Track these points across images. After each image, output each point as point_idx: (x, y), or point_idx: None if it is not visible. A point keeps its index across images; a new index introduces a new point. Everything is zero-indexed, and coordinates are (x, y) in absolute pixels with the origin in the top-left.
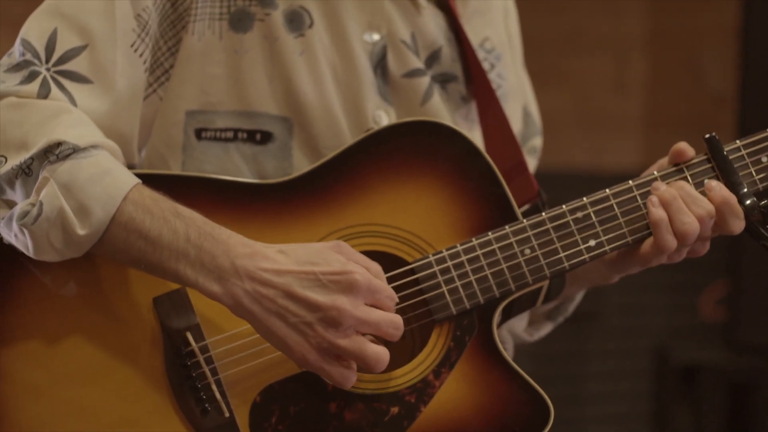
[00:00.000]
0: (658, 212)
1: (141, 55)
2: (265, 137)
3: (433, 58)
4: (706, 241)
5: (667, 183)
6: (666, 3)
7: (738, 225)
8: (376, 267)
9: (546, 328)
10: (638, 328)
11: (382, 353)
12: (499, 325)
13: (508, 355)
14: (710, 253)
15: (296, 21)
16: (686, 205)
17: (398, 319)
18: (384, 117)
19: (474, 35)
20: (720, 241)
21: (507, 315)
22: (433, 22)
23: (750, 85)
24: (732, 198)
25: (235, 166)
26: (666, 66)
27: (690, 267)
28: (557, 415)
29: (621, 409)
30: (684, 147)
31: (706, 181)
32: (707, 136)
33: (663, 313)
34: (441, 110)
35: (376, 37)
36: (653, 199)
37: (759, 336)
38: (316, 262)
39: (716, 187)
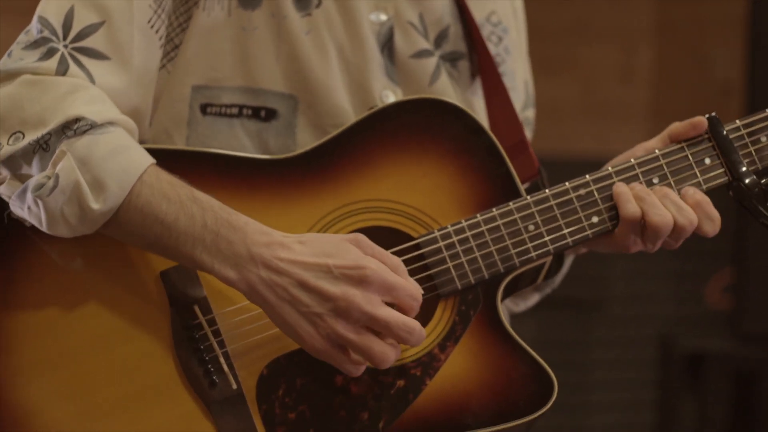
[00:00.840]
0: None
1: (157, 32)
2: (270, 114)
3: (441, 37)
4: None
5: (675, 160)
6: None
7: (712, 228)
8: (393, 261)
9: (533, 299)
10: (644, 317)
11: (388, 353)
12: (502, 301)
13: (511, 329)
14: (716, 241)
15: (303, 1)
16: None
17: (413, 324)
18: (391, 97)
19: (481, 9)
20: (726, 229)
21: (509, 292)
22: (440, 2)
23: (757, 75)
24: (705, 200)
25: (239, 141)
26: (673, 56)
27: (696, 255)
28: (563, 402)
29: (626, 396)
30: (700, 121)
31: (683, 189)
32: (708, 116)
33: (669, 301)
34: (448, 90)
35: (383, 17)
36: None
37: (765, 325)
38: (332, 254)
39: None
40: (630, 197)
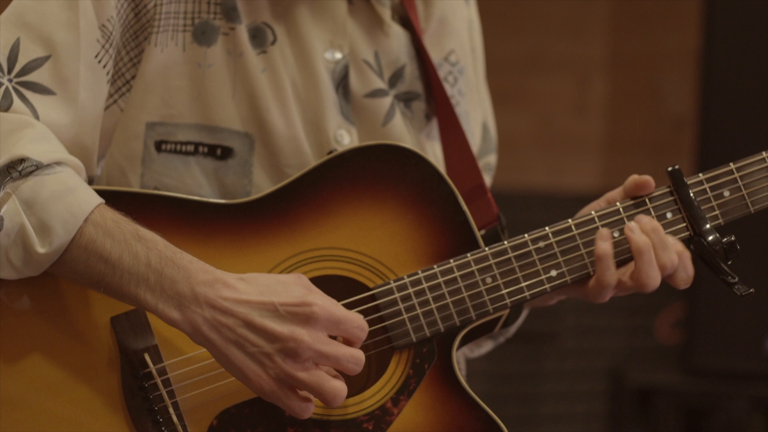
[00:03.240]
0: (641, 238)
1: (104, 66)
2: (226, 153)
3: (396, 77)
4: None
5: (637, 214)
6: (627, 26)
7: (685, 281)
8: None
9: (486, 347)
10: (594, 350)
11: (340, 389)
12: (458, 349)
13: (465, 383)
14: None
15: (259, 38)
16: (656, 252)
17: (359, 354)
18: (345, 136)
19: (439, 49)
20: None
21: (465, 341)
22: (396, 41)
23: (710, 108)
24: (686, 253)
25: (194, 179)
26: (626, 88)
27: None
28: None
29: (576, 430)
30: (646, 181)
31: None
32: (670, 168)
33: (619, 334)
34: (402, 131)
35: (338, 55)
36: (631, 225)
37: (714, 360)
38: (277, 291)
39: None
40: (611, 264)
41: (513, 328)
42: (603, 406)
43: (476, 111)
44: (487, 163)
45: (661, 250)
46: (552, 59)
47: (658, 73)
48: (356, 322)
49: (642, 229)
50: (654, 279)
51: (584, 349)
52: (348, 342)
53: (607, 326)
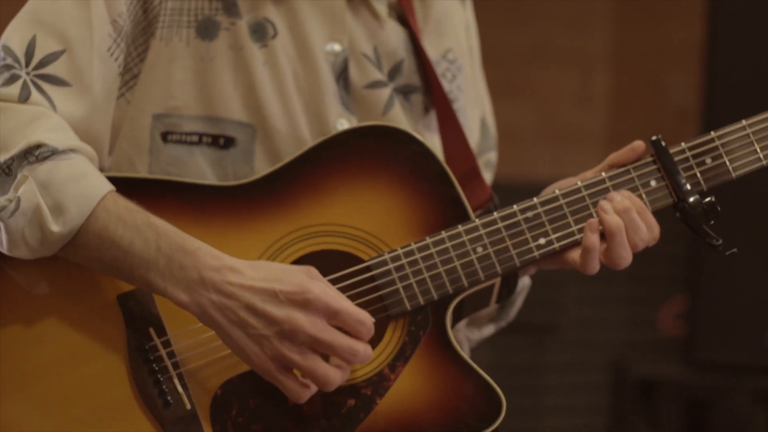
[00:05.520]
0: (613, 219)
1: (116, 60)
2: (228, 142)
3: (395, 70)
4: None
5: (622, 183)
6: (631, 18)
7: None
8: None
9: (488, 330)
10: (597, 342)
11: (331, 376)
12: (453, 325)
13: (461, 350)
14: (670, 267)
15: (259, 32)
16: (628, 233)
17: (356, 346)
18: (346, 125)
19: (437, 47)
20: (680, 256)
21: (460, 315)
22: (394, 36)
23: (713, 102)
24: (643, 209)
25: (199, 168)
26: (630, 81)
27: (650, 281)
28: (515, 428)
29: (578, 422)
30: (638, 144)
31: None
32: (653, 138)
33: (622, 327)
34: (401, 120)
35: (337, 48)
36: (605, 205)
37: (717, 352)
38: (280, 279)
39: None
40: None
41: (513, 312)
42: (605, 398)
43: (474, 107)
44: (488, 160)
45: (633, 231)
46: (555, 51)
47: (662, 66)
48: (355, 315)
49: (615, 209)
50: (625, 259)
51: (586, 341)
52: (352, 335)
53: (609, 318)
